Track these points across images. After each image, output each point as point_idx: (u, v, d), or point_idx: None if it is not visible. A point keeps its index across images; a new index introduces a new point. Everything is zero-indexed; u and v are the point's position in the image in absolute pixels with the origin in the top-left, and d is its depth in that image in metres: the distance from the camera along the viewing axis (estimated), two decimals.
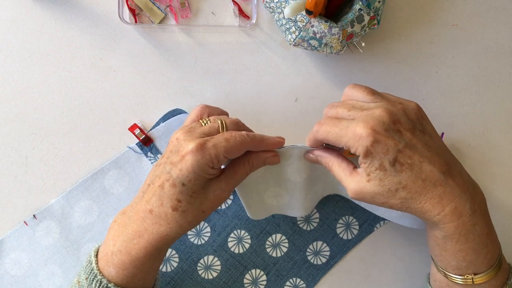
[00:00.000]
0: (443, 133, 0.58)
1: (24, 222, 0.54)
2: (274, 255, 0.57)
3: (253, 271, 0.57)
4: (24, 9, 0.56)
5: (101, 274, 0.43)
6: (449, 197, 0.41)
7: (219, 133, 0.44)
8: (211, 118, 0.46)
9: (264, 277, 0.57)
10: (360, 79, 0.58)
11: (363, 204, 0.55)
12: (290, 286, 0.57)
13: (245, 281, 0.56)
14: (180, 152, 0.41)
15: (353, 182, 0.43)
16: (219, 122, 0.44)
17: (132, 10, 0.55)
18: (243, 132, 0.44)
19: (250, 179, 0.49)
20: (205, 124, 0.45)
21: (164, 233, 0.42)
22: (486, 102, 0.59)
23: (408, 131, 0.41)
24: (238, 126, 0.46)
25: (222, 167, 0.46)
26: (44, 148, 0.55)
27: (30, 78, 0.56)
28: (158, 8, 0.56)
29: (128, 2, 0.55)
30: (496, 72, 0.60)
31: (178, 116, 0.56)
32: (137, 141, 0.56)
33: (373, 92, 0.44)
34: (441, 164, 0.41)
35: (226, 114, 0.50)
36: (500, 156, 0.59)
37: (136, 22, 0.56)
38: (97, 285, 0.42)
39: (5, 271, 0.54)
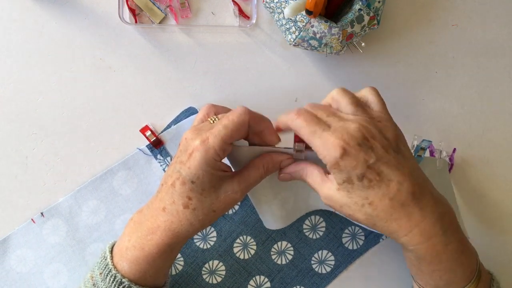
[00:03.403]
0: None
1: (32, 219, 0.54)
2: (279, 262, 0.57)
3: (257, 277, 0.57)
4: (24, 9, 0.56)
5: (115, 269, 0.44)
6: (418, 218, 0.40)
7: None
8: (219, 115, 0.46)
9: (268, 284, 0.57)
10: (360, 79, 0.58)
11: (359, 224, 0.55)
12: None
13: (249, 287, 0.56)
14: (188, 150, 0.42)
15: (325, 187, 0.42)
16: None
17: (132, 10, 0.55)
18: (240, 110, 0.43)
19: (258, 188, 0.49)
20: (213, 122, 0.45)
21: (175, 230, 0.43)
22: (486, 102, 0.59)
23: (381, 149, 0.40)
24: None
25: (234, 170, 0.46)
26: (44, 148, 0.55)
27: (30, 78, 0.56)
28: (158, 8, 0.56)
29: (128, 2, 0.55)
30: (496, 72, 0.60)
31: (189, 118, 0.56)
32: (138, 142, 0.56)
33: (357, 104, 0.42)
34: (411, 185, 0.40)
35: None
36: (500, 156, 0.59)
37: (136, 22, 0.56)
38: (111, 279, 0.43)
39: (10, 267, 0.54)
